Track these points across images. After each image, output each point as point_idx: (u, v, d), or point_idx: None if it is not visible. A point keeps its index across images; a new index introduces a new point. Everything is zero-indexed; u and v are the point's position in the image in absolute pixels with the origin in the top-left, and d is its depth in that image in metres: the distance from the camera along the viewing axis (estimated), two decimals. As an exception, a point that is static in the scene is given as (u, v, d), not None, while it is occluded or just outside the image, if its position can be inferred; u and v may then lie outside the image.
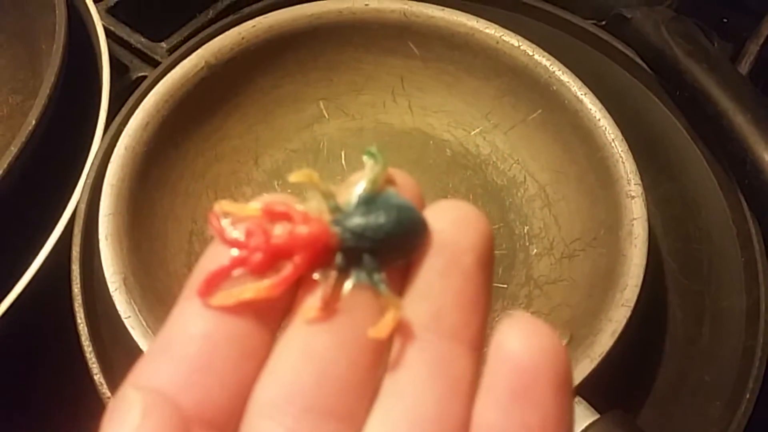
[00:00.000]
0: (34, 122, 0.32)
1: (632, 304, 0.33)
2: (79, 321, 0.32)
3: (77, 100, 0.37)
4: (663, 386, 0.36)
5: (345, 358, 0.15)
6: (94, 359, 0.31)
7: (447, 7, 0.42)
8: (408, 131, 0.44)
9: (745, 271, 0.36)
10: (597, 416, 0.30)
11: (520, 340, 0.15)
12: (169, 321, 0.15)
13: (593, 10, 0.46)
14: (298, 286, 0.16)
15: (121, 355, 0.32)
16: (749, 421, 0.31)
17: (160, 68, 0.39)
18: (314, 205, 0.16)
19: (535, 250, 0.39)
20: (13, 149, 0.31)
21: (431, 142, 0.43)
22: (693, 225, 0.39)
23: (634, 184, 0.36)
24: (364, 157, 0.17)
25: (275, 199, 0.16)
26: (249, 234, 0.16)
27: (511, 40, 0.41)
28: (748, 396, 0.32)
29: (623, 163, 0.37)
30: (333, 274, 0.16)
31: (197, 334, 0.15)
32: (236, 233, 0.16)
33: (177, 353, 0.15)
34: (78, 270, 0.33)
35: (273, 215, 0.16)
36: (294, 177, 0.16)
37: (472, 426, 0.15)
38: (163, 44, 0.44)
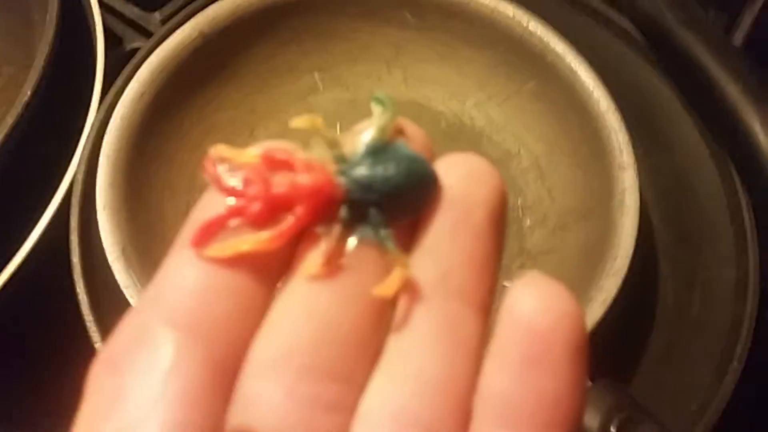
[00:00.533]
0: (29, 93, 0.32)
1: (623, 274, 0.33)
2: (78, 290, 0.32)
3: (71, 71, 0.37)
4: (654, 355, 0.36)
5: (347, 316, 0.15)
6: (94, 328, 0.32)
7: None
8: (403, 103, 0.44)
9: (735, 241, 0.36)
10: (588, 384, 0.31)
11: (534, 301, 0.14)
12: (160, 272, 0.15)
13: (588, -21, 0.46)
14: (299, 240, 0.15)
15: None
16: (736, 388, 0.32)
17: (154, 38, 0.39)
18: (318, 154, 0.15)
19: (529, 222, 0.40)
20: (10, 120, 0.31)
21: (426, 113, 0.43)
22: (685, 196, 0.40)
23: (626, 155, 0.37)
24: (372, 104, 0.16)
25: (276, 145, 0.15)
26: (247, 182, 0.15)
27: (506, 9, 0.41)
28: (735, 364, 0.32)
29: (616, 134, 0.37)
30: (337, 228, 0.15)
31: (191, 286, 0.14)
32: (233, 181, 0.15)
33: (169, 306, 0.14)
34: (77, 240, 0.33)
35: (273, 163, 0.15)
36: (296, 122, 0.15)
37: (480, 392, 0.14)
38: (157, 14, 0.44)
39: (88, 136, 0.35)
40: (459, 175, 0.16)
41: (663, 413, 0.31)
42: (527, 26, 0.40)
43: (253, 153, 0.15)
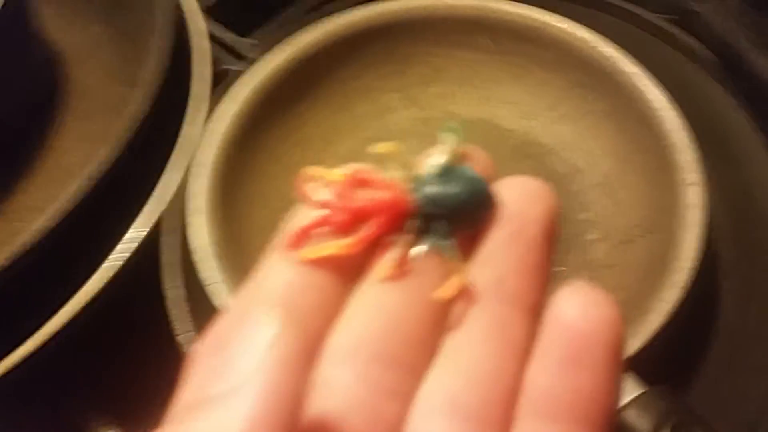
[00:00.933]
0: (143, 109, 0.36)
1: (684, 286, 0.33)
2: (168, 287, 0.36)
3: (176, 90, 0.41)
4: (712, 367, 0.36)
5: (412, 314, 0.16)
6: (178, 322, 0.35)
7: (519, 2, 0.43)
8: (474, 121, 0.45)
9: (801, 260, 0.36)
10: (644, 389, 0.31)
11: (578, 307, 0.15)
12: (260, 269, 0.17)
13: (663, 4, 0.47)
14: (375, 246, 0.17)
15: (204, 322, 0.35)
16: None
17: (251, 62, 0.43)
18: (394, 174, 0.18)
19: (594, 236, 0.41)
20: (119, 129, 0.35)
21: (496, 131, 0.45)
22: (751, 215, 0.40)
23: (694, 173, 0.37)
24: (443, 132, 0.18)
25: (359, 166, 0.18)
26: (334, 196, 0.17)
27: (581, 33, 0.42)
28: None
29: (685, 152, 0.38)
30: (407, 237, 0.17)
31: (285, 281, 0.16)
32: (322, 195, 0.17)
33: (268, 295, 0.16)
34: (170, 241, 0.37)
35: (356, 181, 0.17)
36: (379, 148, 0.18)
37: (524, 387, 0.16)
38: (249, 40, 0.47)
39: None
40: (516, 195, 0.18)
41: (719, 423, 0.31)
42: (601, 49, 0.41)
43: (339, 173, 0.18)
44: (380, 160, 0.18)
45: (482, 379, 0.16)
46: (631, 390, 0.32)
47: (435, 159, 0.18)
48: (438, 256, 0.17)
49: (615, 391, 0.16)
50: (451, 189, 0.17)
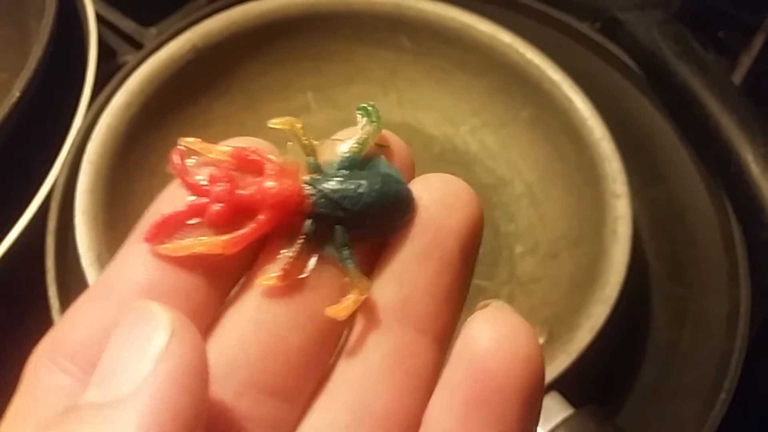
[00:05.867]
0: (17, 95, 0.32)
1: (612, 302, 0.32)
2: (50, 294, 0.32)
3: (62, 78, 0.37)
4: (643, 386, 0.35)
5: (297, 335, 0.14)
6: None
7: (442, 2, 0.41)
8: (396, 125, 0.43)
9: (728, 274, 0.36)
10: (572, 411, 0.30)
11: (491, 338, 0.13)
12: (111, 264, 0.14)
13: (588, 11, 0.46)
14: (259, 249, 0.14)
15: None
16: (723, 421, 0.31)
17: (146, 49, 0.39)
18: (291, 160, 0.15)
19: (520, 249, 0.39)
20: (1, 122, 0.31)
21: (419, 137, 0.43)
22: (679, 228, 0.39)
23: (620, 183, 0.36)
24: (357, 114, 0.15)
25: (249, 144, 0.15)
26: (213, 180, 0.14)
27: (504, 37, 0.41)
28: (723, 397, 0.31)
29: (610, 162, 0.37)
30: (299, 241, 0.14)
31: (140, 281, 0.14)
32: (199, 177, 0.14)
33: (116, 299, 0.14)
34: (53, 244, 0.33)
35: (244, 162, 0.14)
36: (274, 123, 0.15)
37: (423, 428, 0.14)
38: (153, 29, 0.44)
39: (72, 142, 0.35)
40: (435, 197, 0.15)
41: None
42: (524, 54, 0.40)
43: (223, 150, 0.14)
44: (281, 139, 0.15)
45: (372, 417, 0.14)
46: (558, 411, 0.30)
47: (343, 147, 0.15)
48: (334, 267, 0.14)
49: None
50: (357, 187, 0.14)
